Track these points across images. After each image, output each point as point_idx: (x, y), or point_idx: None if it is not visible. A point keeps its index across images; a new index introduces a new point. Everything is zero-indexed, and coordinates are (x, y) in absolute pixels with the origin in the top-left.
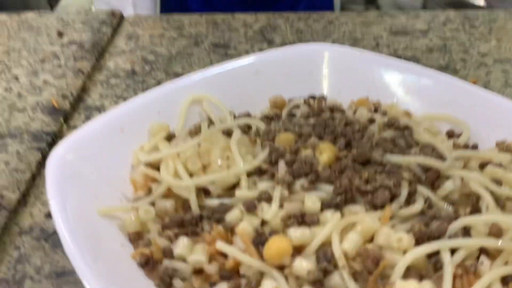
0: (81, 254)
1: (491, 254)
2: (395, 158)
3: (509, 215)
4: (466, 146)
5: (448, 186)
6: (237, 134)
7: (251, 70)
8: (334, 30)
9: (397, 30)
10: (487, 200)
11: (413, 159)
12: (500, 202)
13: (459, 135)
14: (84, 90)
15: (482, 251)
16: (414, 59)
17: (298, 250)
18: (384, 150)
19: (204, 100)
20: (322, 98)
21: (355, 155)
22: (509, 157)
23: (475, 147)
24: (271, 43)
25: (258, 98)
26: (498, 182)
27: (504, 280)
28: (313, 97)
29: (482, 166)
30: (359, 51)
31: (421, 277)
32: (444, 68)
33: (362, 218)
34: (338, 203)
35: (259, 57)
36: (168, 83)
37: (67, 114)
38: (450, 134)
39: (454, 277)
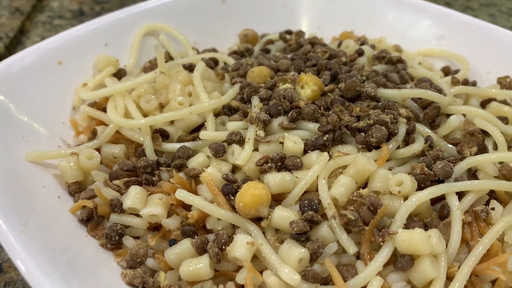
0: (4, 210)
1: (501, 199)
2: (389, 92)
3: None
4: (465, 83)
5: (451, 121)
6: (201, 66)
7: None
8: None
9: None
10: (496, 137)
11: (411, 92)
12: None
13: (455, 73)
14: (22, 32)
15: (491, 196)
16: None
17: (277, 198)
18: (376, 84)
19: (160, 32)
20: (300, 33)
21: (343, 89)
22: None
23: (473, 84)
24: None
25: (225, 32)
26: (504, 120)
27: None
28: (290, 32)
29: (483, 104)
30: None
31: (425, 226)
32: None
33: (355, 159)
34: (325, 142)
35: None
36: (118, 11)
37: (1, 58)
38: (446, 71)
39: (463, 224)
